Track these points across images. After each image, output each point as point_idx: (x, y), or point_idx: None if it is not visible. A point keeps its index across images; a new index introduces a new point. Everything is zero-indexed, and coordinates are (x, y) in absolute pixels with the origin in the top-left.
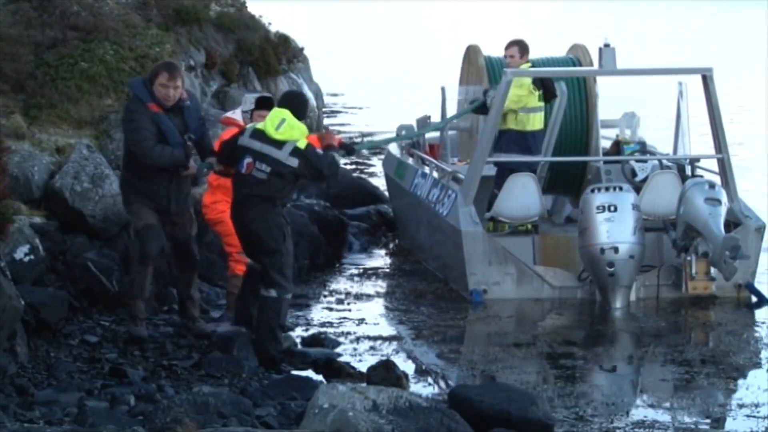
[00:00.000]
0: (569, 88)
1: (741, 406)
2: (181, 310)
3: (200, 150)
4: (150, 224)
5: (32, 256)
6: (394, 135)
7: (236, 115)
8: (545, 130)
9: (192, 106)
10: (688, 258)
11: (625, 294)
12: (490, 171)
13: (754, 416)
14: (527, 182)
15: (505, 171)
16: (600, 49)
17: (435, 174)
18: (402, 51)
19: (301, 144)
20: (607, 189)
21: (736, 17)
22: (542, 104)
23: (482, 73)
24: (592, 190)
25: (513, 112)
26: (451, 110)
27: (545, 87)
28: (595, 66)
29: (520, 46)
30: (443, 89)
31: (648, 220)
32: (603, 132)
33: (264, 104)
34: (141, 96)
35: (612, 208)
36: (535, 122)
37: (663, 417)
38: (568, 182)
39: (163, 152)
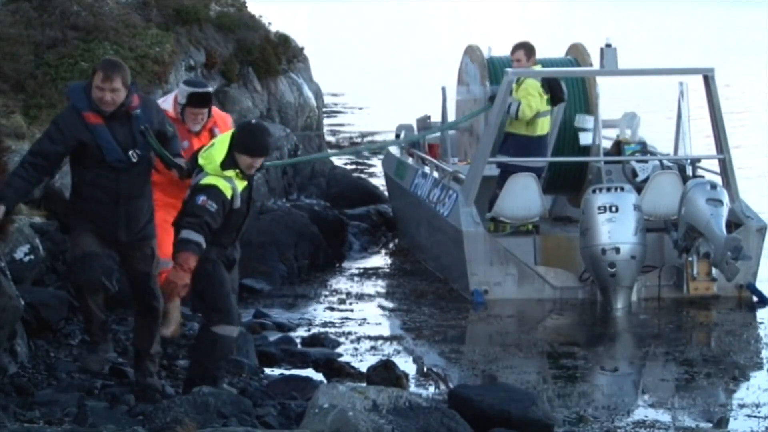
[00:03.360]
0: (569, 89)
1: (742, 406)
2: (136, 361)
3: (163, 162)
4: (88, 252)
5: (32, 256)
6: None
7: (167, 104)
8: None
9: (143, 116)
10: (690, 258)
11: (626, 294)
12: (491, 171)
13: (754, 416)
14: (528, 182)
15: (506, 172)
16: (601, 49)
17: (435, 174)
18: (402, 51)
19: (205, 180)
20: (608, 189)
21: (735, 17)
22: (549, 108)
23: (483, 73)
24: (594, 191)
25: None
26: (451, 110)
27: (552, 90)
28: (597, 66)
29: (525, 49)
30: (443, 89)
31: (649, 221)
32: (604, 132)
33: (197, 101)
34: (78, 104)
35: (613, 209)
36: (543, 126)
37: (664, 417)
38: (569, 182)
39: (13, 177)
